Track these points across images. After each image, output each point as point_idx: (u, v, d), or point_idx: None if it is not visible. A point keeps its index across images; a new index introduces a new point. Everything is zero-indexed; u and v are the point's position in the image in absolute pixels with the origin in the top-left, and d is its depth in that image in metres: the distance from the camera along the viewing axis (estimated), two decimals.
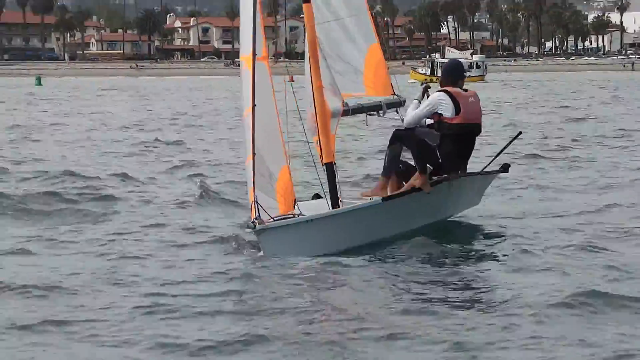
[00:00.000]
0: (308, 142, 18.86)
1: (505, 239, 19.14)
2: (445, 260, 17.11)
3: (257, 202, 16.26)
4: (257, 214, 16.27)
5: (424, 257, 17.18)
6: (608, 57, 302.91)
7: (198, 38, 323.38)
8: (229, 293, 14.65)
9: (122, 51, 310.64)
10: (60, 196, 24.80)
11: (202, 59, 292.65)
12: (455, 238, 18.96)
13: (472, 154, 18.87)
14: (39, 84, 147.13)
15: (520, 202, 23.93)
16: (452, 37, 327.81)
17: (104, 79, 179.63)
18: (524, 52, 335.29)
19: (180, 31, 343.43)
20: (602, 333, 12.76)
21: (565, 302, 14.07)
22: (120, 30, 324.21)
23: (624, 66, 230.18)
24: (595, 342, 12.41)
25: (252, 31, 16.62)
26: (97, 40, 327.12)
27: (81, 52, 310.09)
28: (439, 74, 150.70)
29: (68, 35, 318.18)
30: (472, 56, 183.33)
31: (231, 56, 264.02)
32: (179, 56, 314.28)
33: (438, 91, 18.05)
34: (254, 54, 16.47)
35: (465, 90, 18.25)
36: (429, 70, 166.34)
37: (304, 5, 18.01)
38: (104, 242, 19.51)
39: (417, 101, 18.27)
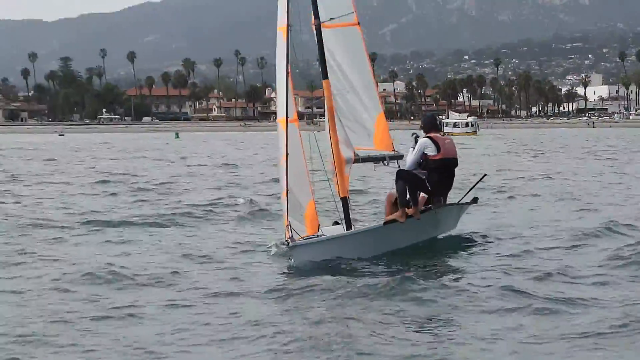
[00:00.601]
0: (329, 180, 18.77)
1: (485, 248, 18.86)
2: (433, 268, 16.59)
3: (291, 226, 16.71)
4: (290, 234, 16.73)
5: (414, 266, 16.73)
6: (575, 118, 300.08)
7: None
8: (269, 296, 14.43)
9: (235, 114, 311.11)
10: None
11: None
12: (445, 251, 18.47)
13: (454, 189, 18.77)
14: (177, 137, 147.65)
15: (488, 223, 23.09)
16: (466, 103, 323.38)
17: (222, 133, 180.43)
18: (517, 114, 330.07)
19: (275, 100, 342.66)
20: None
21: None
22: (233, 100, 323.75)
23: (588, 125, 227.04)
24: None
25: (285, 102, 17.07)
26: (217, 107, 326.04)
27: (206, 115, 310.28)
28: (444, 130, 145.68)
29: (197, 103, 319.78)
30: (467, 117, 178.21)
31: (310, 117, 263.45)
32: (274, 118, 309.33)
33: (423, 137, 18.07)
34: (287, 118, 16.95)
35: (443, 135, 18.50)
36: None
37: (323, 82, 18.08)
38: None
39: (412, 148, 18.21)
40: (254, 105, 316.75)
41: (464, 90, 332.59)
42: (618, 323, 12.15)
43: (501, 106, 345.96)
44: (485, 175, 20.35)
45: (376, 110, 18.75)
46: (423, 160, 18.08)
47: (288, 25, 17.25)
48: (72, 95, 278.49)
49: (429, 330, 12.20)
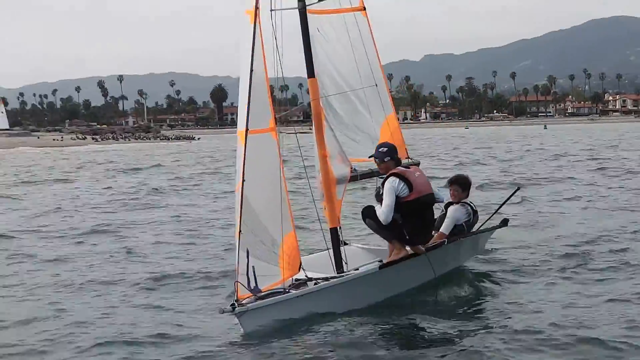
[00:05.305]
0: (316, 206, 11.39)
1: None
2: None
3: (249, 275, 9.49)
4: (250, 285, 9.65)
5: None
6: None
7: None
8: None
9: (583, 112, 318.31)
10: None
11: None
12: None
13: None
14: (545, 128, 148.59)
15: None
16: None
17: (569, 125, 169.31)
18: None
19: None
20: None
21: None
22: (582, 102, 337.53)
23: None
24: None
25: (247, 108, 9.65)
26: (571, 107, 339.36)
27: (564, 113, 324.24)
28: None
29: (557, 105, 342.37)
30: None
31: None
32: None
33: (389, 177, 11.14)
34: (247, 129, 9.56)
35: (407, 167, 11.42)
36: None
37: (308, 80, 11.27)
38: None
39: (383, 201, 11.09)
40: (597, 105, 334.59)
41: None
42: None
43: None
44: (518, 188, 13.95)
45: (384, 111, 12.64)
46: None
47: (257, 7, 9.88)
48: (474, 102, 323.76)
49: None
